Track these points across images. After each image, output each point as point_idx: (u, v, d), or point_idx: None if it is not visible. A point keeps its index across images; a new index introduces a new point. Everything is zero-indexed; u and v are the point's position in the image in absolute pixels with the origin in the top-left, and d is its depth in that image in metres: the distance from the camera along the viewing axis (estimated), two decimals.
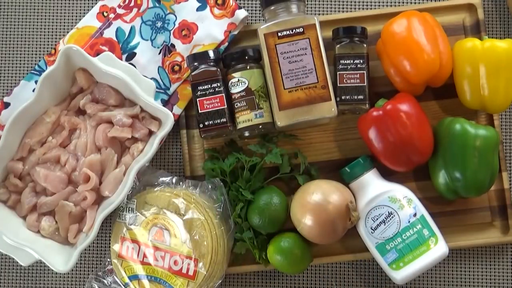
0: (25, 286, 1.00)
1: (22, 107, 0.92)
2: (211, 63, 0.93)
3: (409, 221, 0.90)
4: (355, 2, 1.01)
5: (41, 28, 1.02)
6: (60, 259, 0.91)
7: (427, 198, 0.96)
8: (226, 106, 0.93)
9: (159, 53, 0.98)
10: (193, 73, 0.93)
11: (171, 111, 0.97)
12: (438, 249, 0.90)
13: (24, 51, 1.02)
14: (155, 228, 0.92)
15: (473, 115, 0.98)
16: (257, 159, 0.94)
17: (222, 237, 0.92)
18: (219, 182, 0.94)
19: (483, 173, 0.89)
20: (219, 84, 0.93)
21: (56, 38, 1.02)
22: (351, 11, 1.01)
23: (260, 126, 0.92)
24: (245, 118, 0.92)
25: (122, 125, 0.93)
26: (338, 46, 0.93)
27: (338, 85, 0.92)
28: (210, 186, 0.95)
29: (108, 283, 0.95)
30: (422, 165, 0.93)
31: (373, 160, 0.94)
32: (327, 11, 1.01)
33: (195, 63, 0.93)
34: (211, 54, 0.93)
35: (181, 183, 0.95)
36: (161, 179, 0.95)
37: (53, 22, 1.02)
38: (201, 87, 0.93)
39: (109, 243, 0.98)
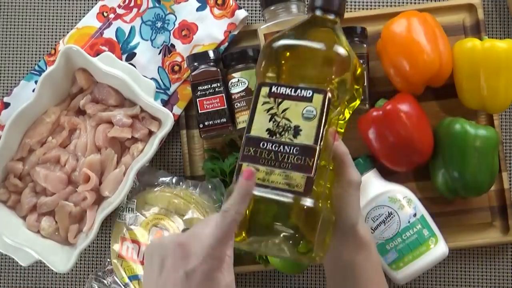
0: (25, 286, 1.00)
1: (22, 107, 0.92)
2: (211, 63, 0.93)
3: (409, 221, 0.90)
4: (355, 2, 1.01)
5: (41, 28, 1.02)
6: (60, 259, 0.91)
7: (427, 198, 0.96)
8: (226, 106, 0.93)
9: (159, 53, 0.98)
10: (193, 73, 0.93)
11: (171, 111, 0.96)
12: (438, 249, 0.90)
13: (24, 51, 1.02)
14: (155, 228, 0.92)
15: (473, 115, 0.97)
16: None
17: None
18: (219, 182, 0.94)
19: (483, 173, 0.89)
20: (219, 84, 0.93)
21: (56, 38, 1.02)
22: (351, 11, 1.00)
23: None
24: (245, 118, 0.92)
25: (122, 125, 0.93)
26: None
27: None
28: (210, 186, 0.95)
29: (108, 283, 0.95)
30: (422, 165, 0.93)
31: (373, 160, 0.94)
32: None
33: (195, 63, 0.93)
34: (211, 54, 0.93)
35: (181, 183, 0.95)
36: (161, 179, 0.95)
37: (53, 22, 1.02)
38: (201, 87, 0.93)
39: (109, 243, 0.98)
